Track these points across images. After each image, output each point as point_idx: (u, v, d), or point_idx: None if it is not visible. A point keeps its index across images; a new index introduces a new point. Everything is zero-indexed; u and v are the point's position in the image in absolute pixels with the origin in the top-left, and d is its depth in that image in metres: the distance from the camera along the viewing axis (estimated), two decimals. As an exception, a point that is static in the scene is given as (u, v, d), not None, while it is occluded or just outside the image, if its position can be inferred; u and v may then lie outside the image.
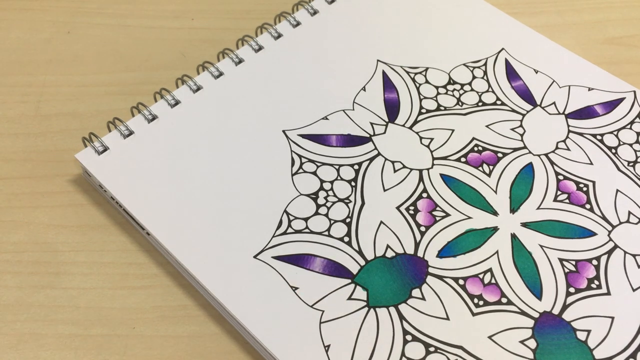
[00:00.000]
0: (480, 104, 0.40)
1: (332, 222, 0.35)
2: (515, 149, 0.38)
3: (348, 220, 0.35)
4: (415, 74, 0.41)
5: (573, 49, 0.42)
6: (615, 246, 0.34)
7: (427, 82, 0.40)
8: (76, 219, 0.36)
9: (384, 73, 0.41)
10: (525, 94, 0.40)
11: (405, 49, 0.42)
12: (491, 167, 0.37)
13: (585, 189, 0.36)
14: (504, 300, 0.32)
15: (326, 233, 0.34)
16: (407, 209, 0.35)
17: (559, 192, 0.36)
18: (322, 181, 0.36)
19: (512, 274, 0.33)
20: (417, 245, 0.34)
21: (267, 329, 0.31)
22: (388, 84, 0.40)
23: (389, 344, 0.31)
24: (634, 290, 0.33)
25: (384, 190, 0.36)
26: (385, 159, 0.37)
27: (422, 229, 0.34)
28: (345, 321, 0.31)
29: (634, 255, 0.34)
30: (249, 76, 0.40)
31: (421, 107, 0.39)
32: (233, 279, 0.32)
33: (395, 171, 0.37)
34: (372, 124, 0.38)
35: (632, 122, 0.39)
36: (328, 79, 0.40)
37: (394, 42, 0.42)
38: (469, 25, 0.43)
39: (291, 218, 0.35)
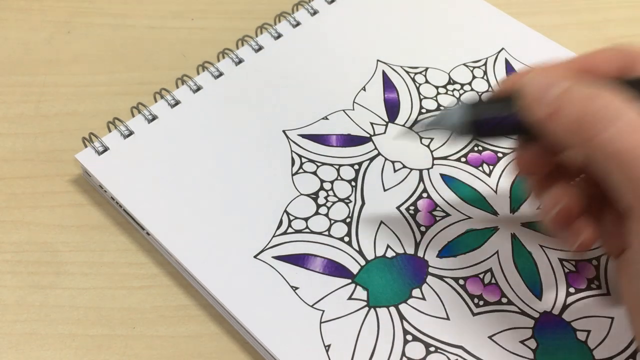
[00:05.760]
0: (480, 103, 0.40)
1: (332, 222, 0.35)
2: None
3: (348, 220, 0.35)
4: (415, 74, 0.41)
5: (573, 49, 0.42)
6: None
7: (427, 82, 0.40)
8: (76, 219, 0.36)
9: (384, 73, 0.41)
10: (526, 94, 0.40)
11: (405, 49, 0.42)
12: (491, 167, 0.37)
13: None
14: (504, 300, 0.32)
15: (326, 233, 0.34)
16: (407, 209, 0.35)
17: (559, 192, 0.36)
18: (322, 181, 0.36)
19: (512, 274, 0.33)
20: (417, 245, 0.34)
21: (267, 329, 0.31)
22: (388, 84, 0.40)
23: (389, 343, 0.31)
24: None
25: (384, 190, 0.36)
26: (386, 159, 0.37)
27: (422, 229, 0.34)
28: (346, 321, 0.31)
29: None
30: (249, 76, 0.40)
31: (421, 107, 0.39)
32: (233, 279, 0.32)
33: (395, 171, 0.37)
34: (372, 123, 0.38)
35: (632, 122, 0.39)
36: (328, 79, 0.40)
37: (394, 42, 0.42)
38: (469, 25, 0.43)
39: (291, 218, 0.35)
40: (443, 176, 0.36)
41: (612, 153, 0.23)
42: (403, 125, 0.32)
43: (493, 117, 0.28)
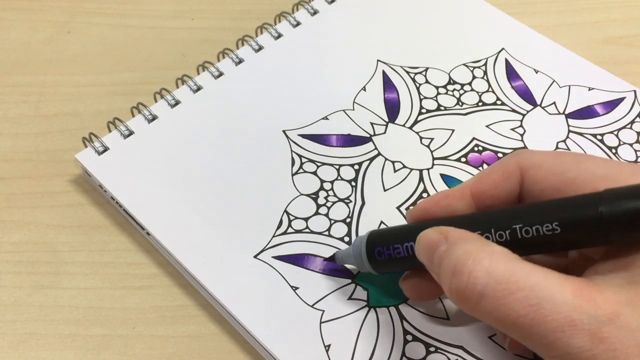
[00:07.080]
0: (480, 104, 0.40)
1: (332, 222, 0.35)
2: (515, 149, 0.38)
3: (348, 220, 0.35)
4: (415, 74, 0.41)
5: (573, 49, 0.42)
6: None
7: (427, 82, 0.40)
8: (76, 219, 0.36)
9: (384, 73, 0.41)
10: (526, 94, 0.40)
11: (405, 49, 0.42)
12: (491, 167, 0.37)
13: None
14: (504, 300, 0.32)
15: (326, 233, 0.34)
16: (408, 209, 0.35)
17: (559, 192, 0.36)
18: (322, 181, 0.36)
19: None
20: (417, 245, 0.34)
21: (267, 329, 0.31)
22: (388, 84, 0.40)
23: (389, 343, 0.31)
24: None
25: (384, 190, 0.36)
26: (386, 159, 0.37)
27: (422, 228, 0.34)
28: (346, 321, 0.31)
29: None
30: (249, 76, 0.40)
31: (421, 107, 0.39)
32: (233, 279, 0.32)
33: (395, 171, 0.36)
34: (372, 123, 0.38)
35: (632, 122, 0.39)
36: (328, 79, 0.40)
37: (394, 42, 0.42)
38: (469, 25, 0.43)
39: (291, 218, 0.34)
40: (443, 176, 0.36)
41: (495, 320, 0.23)
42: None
43: (392, 257, 0.28)
